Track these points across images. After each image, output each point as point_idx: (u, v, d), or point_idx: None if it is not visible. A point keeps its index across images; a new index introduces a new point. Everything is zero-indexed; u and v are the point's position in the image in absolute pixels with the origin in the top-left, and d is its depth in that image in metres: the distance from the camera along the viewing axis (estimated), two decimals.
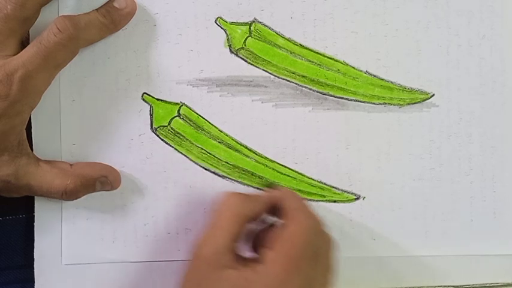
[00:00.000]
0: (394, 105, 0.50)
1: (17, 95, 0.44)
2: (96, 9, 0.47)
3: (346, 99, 0.50)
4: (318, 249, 0.44)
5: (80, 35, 0.45)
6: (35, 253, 0.49)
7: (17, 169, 0.46)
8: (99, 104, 0.49)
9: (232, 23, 0.49)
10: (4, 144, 0.45)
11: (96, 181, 0.48)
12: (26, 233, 0.50)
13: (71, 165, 0.48)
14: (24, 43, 0.46)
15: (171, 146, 0.49)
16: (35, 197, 0.49)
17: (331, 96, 0.50)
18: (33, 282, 0.49)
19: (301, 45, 0.50)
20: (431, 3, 0.50)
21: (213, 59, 0.49)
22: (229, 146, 0.50)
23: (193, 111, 0.50)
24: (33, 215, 0.49)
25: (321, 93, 0.50)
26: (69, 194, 0.47)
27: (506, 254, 0.51)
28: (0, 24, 0.44)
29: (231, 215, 0.43)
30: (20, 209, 0.49)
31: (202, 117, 0.50)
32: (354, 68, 0.50)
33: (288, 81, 0.50)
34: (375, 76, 0.50)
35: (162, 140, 0.49)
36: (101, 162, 0.49)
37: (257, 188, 0.50)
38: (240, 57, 0.50)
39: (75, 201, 0.48)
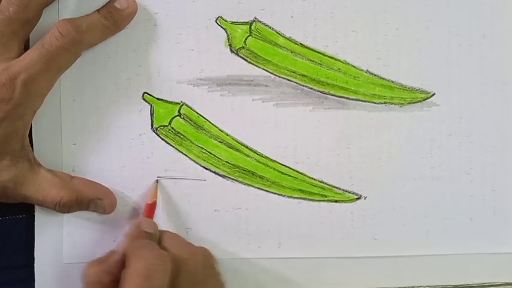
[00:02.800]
0: (394, 104, 0.50)
1: (19, 98, 0.44)
2: (97, 11, 0.47)
3: (347, 98, 0.50)
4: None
5: (82, 39, 0.46)
6: (35, 252, 0.49)
7: (17, 175, 0.46)
8: (100, 104, 0.49)
9: (232, 23, 0.49)
10: (6, 148, 0.45)
11: (90, 201, 0.48)
12: (26, 232, 0.49)
13: (72, 177, 0.48)
14: (24, 44, 0.46)
15: (171, 145, 0.49)
16: None
17: (332, 95, 0.50)
18: (34, 281, 0.49)
19: (301, 44, 0.50)
20: (432, 2, 0.50)
21: (214, 59, 0.49)
22: (229, 146, 0.50)
23: (193, 110, 0.50)
24: (33, 215, 0.49)
25: (321, 92, 0.50)
26: (62, 207, 0.47)
27: (507, 252, 0.51)
28: (3, 27, 0.44)
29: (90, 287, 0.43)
30: (20, 209, 0.49)
31: (202, 116, 0.50)
32: (354, 67, 0.50)
33: (289, 80, 0.50)
34: (375, 75, 0.50)
35: (163, 139, 0.49)
36: (101, 184, 0.49)
37: (258, 188, 0.50)
38: (241, 57, 0.49)
39: None
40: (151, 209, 0.48)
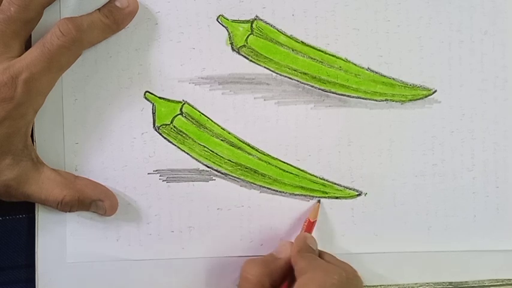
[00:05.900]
0: (396, 101, 0.50)
1: (21, 97, 0.44)
2: (98, 10, 0.47)
3: (348, 96, 0.50)
4: None
5: (83, 38, 0.46)
6: (38, 251, 0.49)
7: (20, 174, 0.46)
8: (102, 103, 0.49)
9: (233, 21, 0.49)
10: (8, 147, 0.45)
11: (92, 202, 0.48)
12: (26, 232, 0.50)
13: (76, 177, 0.48)
14: (26, 44, 0.46)
15: (173, 144, 0.50)
16: None
17: (333, 93, 0.50)
18: (34, 281, 0.49)
19: (302, 42, 0.50)
20: None
21: (215, 57, 0.49)
22: (231, 144, 0.50)
23: (195, 109, 0.50)
24: (34, 215, 0.49)
25: (322, 90, 0.50)
26: (64, 206, 0.47)
27: (510, 249, 0.51)
28: (4, 26, 0.44)
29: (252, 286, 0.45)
30: (21, 209, 0.50)
31: (204, 115, 0.50)
32: (355, 64, 0.50)
33: (290, 78, 0.50)
34: (376, 73, 0.50)
35: (165, 138, 0.50)
36: (104, 186, 0.49)
37: (260, 186, 0.50)
38: (242, 55, 0.50)
39: None
40: (312, 226, 0.49)
